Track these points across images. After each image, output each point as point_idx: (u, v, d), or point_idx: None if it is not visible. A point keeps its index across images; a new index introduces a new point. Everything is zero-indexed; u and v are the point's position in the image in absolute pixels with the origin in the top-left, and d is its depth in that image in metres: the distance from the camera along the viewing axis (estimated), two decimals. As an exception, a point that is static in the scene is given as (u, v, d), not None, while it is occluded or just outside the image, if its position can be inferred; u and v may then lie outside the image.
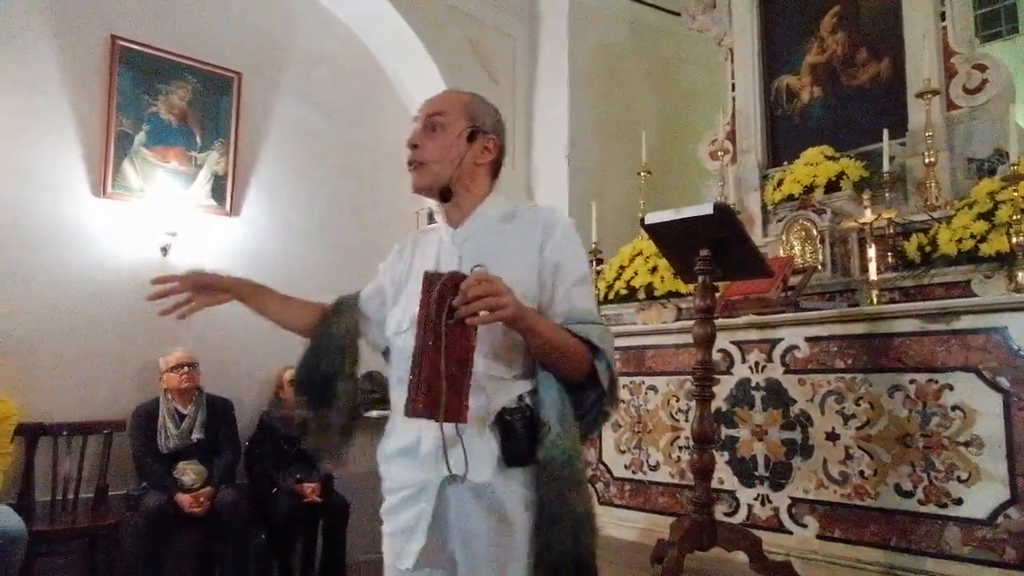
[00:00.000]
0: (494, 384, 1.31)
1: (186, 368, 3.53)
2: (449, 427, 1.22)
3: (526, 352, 1.32)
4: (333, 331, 1.53)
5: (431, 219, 4.91)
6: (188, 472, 3.40)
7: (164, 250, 3.84)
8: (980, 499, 2.46)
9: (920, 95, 3.28)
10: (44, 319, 3.50)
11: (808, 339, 2.95)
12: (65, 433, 3.45)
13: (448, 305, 1.16)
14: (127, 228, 3.77)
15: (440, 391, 1.15)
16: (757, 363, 3.09)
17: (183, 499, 3.28)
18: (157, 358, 3.60)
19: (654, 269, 3.67)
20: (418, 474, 1.33)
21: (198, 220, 4.00)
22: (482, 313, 1.15)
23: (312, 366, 1.51)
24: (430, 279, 1.19)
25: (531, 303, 1.31)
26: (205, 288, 1.57)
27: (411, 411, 1.18)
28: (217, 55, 4.13)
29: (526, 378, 1.34)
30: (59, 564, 3.25)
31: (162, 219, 3.83)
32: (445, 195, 1.43)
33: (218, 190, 4.09)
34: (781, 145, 4.08)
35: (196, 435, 3.50)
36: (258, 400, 4.02)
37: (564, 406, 1.30)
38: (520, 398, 1.32)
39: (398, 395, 1.37)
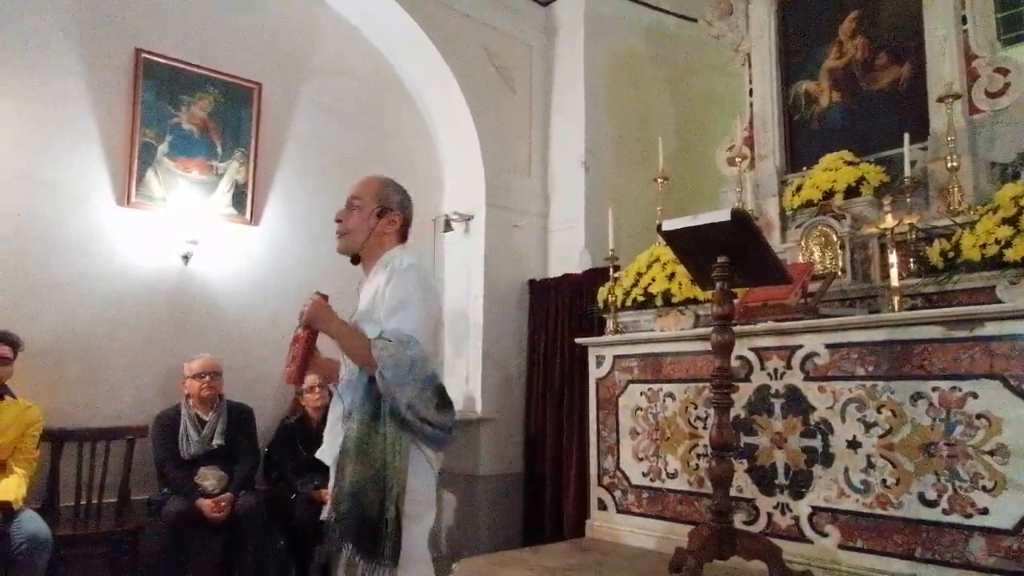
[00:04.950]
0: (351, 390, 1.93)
1: (208, 376, 3.57)
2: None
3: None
4: None
5: (448, 226, 4.94)
6: (209, 478, 3.44)
7: (186, 258, 3.90)
8: (1006, 509, 2.41)
9: (941, 99, 3.24)
10: (69, 326, 3.56)
11: (828, 346, 2.92)
12: (89, 439, 3.50)
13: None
14: (150, 236, 3.83)
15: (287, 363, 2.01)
16: (776, 370, 3.07)
17: (204, 504, 3.31)
18: (180, 364, 3.66)
19: (672, 276, 3.65)
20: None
21: (219, 228, 4.06)
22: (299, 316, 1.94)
23: None
24: None
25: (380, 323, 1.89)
26: None
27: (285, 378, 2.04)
28: (238, 66, 4.20)
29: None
30: (83, 568, 3.30)
31: (184, 228, 3.89)
32: (355, 260, 2.07)
33: (239, 199, 4.15)
34: (800, 150, 4.04)
35: (217, 441, 3.54)
36: (277, 407, 4.06)
37: (365, 398, 1.86)
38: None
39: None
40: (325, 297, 1.96)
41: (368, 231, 2.01)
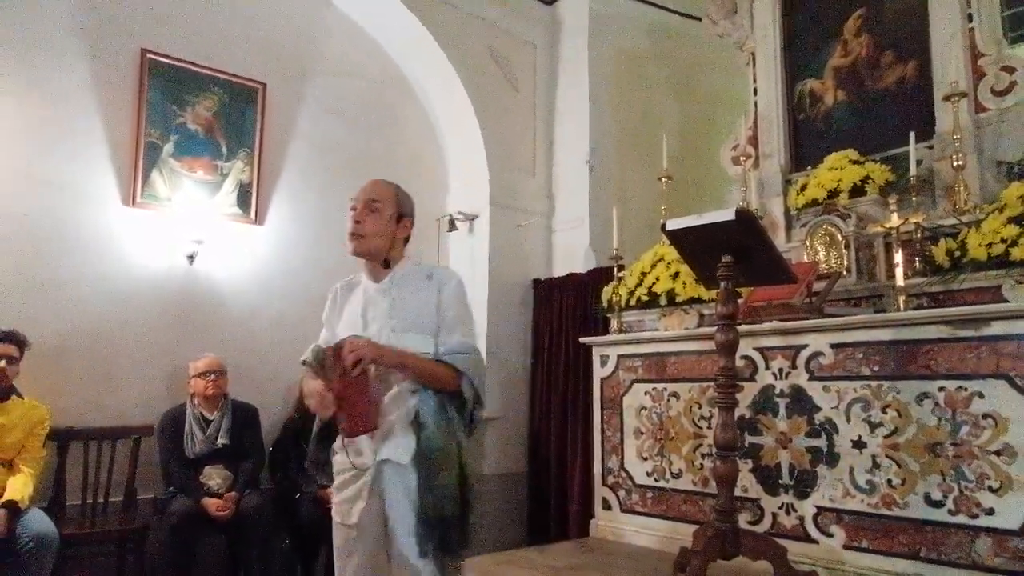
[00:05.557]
0: (407, 397, 1.90)
1: (212, 376, 3.58)
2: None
3: None
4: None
5: (452, 226, 4.95)
6: (214, 477, 3.45)
7: (191, 258, 3.91)
8: (1012, 509, 2.40)
9: (947, 98, 3.23)
10: (75, 325, 3.58)
11: (833, 345, 2.91)
12: (95, 438, 3.52)
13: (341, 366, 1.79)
14: (155, 236, 3.84)
15: (349, 415, 1.83)
16: (781, 370, 3.06)
17: (209, 503, 3.32)
18: (185, 364, 3.67)
19: (676, 275, 3.64)
20: (360, 459, 1.94)
21: (224, 228, 4.07)
22: (353, 362, 1.77)
23: None
24: (334, 351, 1.83)
25: (432, 334, 1.96)
26: None
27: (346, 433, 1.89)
28: (242, 66, 4.21)
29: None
30: (89, 567, 3.31)
31: (189, 227, 3.90)
32: (387, 263, 2.03)
33: (243, 199, 4.16)
34: (804, 149, 4.03)
35: (221, 440, 3.55)
36: (282, 406, 4.07)
37: (440, 411, 1.89)
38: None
39: None
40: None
41: (391, 236, 2.03)
